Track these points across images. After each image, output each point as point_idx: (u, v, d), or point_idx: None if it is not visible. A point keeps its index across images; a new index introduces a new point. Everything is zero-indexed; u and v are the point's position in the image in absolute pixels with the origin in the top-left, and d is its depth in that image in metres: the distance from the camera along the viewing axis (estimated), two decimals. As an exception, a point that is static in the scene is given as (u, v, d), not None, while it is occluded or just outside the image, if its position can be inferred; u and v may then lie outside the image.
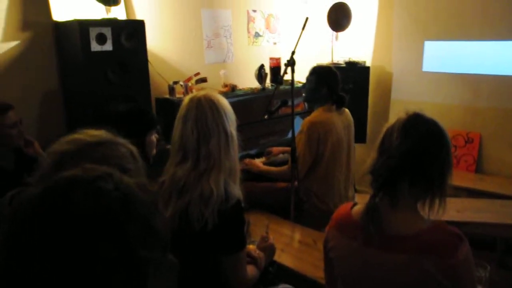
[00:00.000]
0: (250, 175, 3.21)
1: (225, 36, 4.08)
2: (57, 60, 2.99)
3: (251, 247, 1.94)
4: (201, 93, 1.70)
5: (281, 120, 3.72)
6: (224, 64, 4.07)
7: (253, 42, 4.36)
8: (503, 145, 4.00)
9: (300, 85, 3.90)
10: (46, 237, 0.60)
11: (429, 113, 1.36)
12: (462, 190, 3.74)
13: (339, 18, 4.44)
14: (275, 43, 4.56)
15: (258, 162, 3.38)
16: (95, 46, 2.70)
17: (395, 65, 4.55)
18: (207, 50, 3.93)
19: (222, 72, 3.83)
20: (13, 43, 2.79)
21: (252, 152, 3.53)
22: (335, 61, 4.59)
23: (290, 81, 2.89)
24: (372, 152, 1.35)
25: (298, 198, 3.07)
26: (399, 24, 4.45)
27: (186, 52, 3.76)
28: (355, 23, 4.52)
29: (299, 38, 2.77)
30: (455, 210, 3.23)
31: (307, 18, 2.76)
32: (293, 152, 2.81)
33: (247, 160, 3.31)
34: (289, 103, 2.86)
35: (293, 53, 2.78)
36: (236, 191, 1.63)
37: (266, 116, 3.05)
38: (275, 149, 3.54)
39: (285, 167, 3.10)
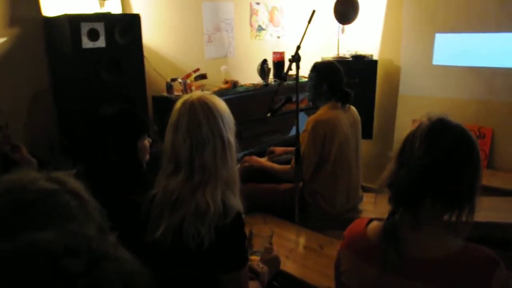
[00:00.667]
0: (251, 177, 3.08)
1: (226, 30, 3.91)
2: (47, 58, 2.82)
3: (254, 258, 1.80)
4: (195, 95, 1.53)
5: (285, 117, 3.56)
6: (225, 59, 3.91)
7: (256, 36, 4.19)
8: (516, 140, 3.85)
9: (305, 79, 3.74)
10: None
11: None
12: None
13: (346, 10, 4.28)
14: (278, 37, 4.38)
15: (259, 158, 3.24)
16: (86, 43, 2.54)
17: (404, 59, 4.38)
18: (207, 44, 3.76)
19: (223, 67, 3.67)
20: (0, 40, 2.63)
21: (253, 150, 3.39)
22: (341, 55, 4.44)
23: (294, 76, 2.75)
24: (390, 162, 1.18)
25: (303, 200, 2.93)
26: (409, 16, 4.27)
27: (185, 47, 3.59)
28: (362, 15, 4.35)
29: (305, 32, 2.60)
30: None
31: (313, 11, 2.59)
32: (297, 152, 2.67)
33: (246, 158, 3.16)
34: (293, 99, 2.70)
35: (298, 48, 2.62)
36: (236, 203, 1.47)
37: (269, 114, 2.90)
38: (278, 149, 3.39)
39: (289, 166, 2.96)
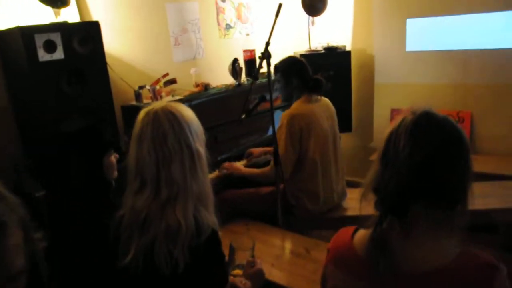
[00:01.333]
0: (230, 183, 2.97)
1: (193, 31, 3.77)
2: (3, 73, 2.65)
3: (237, 272, 1.69)
4: (158, 104, 1.41)
5: (261, 116, 3.45)
6: (194, 61, 3.77)
7: (225, 35, 4.06)
8: (495, 122, 3.82)
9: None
10: None
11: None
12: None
13: (313, 1, 4.18)
14: (248, 34, 4.26)
15: (239, 165, 3.13)
16: (43, 55, 2.38)
17: (377, 47, 4.32)
18: (175, 47, 3.62)
19: (193, 70, 3.53)
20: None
21: (231, 154, 3.27)
22: (313, 48, 4.35)
23: (266, 74, 2.64)
24: (374, 163, 1.07)
25: (286, 201, 2.83)
26: (379, 3, 4.21)
27: (152, 52, 3.44)
28: (331, 6, 4.25)
29: (273, 27, 2.51)
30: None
31: (280, 4, 2.49)
32: (275, 153, 2.57)
33: (226, 164, 3.06)
34: (268, 98, 2.60)
35: (267, 44, 2.52)
36: (210, 219, 1.35)
37: (244, 116, 2.78)
38: (256, 150, 3.28)
39: (268, 168, 2.85)
